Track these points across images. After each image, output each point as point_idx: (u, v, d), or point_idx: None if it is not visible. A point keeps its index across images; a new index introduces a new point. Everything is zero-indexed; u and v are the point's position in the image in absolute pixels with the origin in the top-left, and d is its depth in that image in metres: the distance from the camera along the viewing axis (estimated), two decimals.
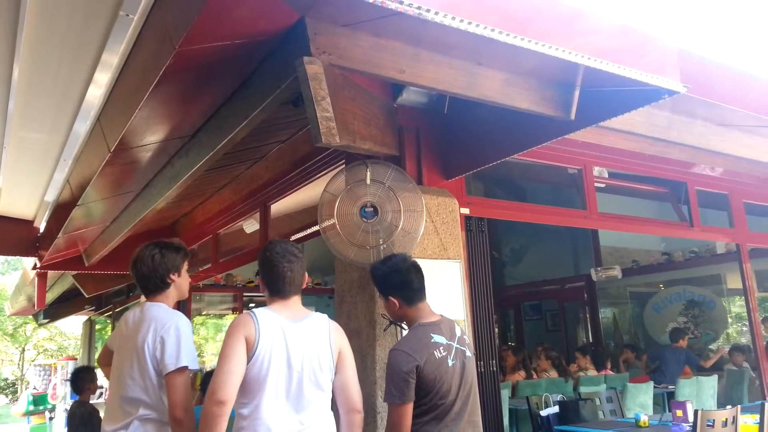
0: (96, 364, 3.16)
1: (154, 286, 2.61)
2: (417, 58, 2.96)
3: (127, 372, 2.47)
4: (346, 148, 3.22)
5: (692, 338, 9.10)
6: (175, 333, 2.43)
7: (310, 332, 2.36)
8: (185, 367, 2.39)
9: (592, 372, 7.16)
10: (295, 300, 2.44)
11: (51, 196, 5.42)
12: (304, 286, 2.51)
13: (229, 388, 2.17)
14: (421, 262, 2.71)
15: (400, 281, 2.59)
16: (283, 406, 2.26)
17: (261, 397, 2.23)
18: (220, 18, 2.45)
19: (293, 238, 5.23)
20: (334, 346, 2.41)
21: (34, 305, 10.29)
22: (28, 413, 12.24)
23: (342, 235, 3.53)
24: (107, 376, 2.94)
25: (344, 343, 2.47)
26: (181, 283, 2.67)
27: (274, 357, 2.25)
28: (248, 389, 2.24)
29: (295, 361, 2.29)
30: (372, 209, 3.54)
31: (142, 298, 2.73)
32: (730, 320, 9.36)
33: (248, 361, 2.23)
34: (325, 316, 2.47)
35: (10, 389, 23.30)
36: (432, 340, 2.48)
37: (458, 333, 2.61)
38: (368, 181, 3.58)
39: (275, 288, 2.41)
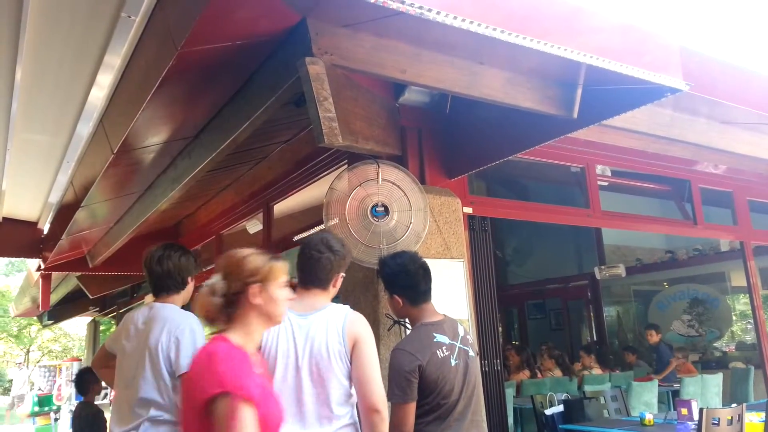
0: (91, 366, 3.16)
1: (173, 284, 2.63)
2: (419, 57, 2.95)
3: (139, 373, 2.46)
4: (349, 148, 3.22)
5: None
6: (190, 334, 2.44)
7: (319, 325, 2.31)
8: None
9: (596, 371, 7.15)
10: (315, 293, 2.39)
11: (54, 198, 5.42)
12: (336, 283, 2.45)
13: None
14: None
15: (408, 282, 2.59)
16: (291, 398, 2.26)
17: None
18: (222, 19, 2.45)
19: (296, 238, 5.23)
20: (347, 337, 2.28)
21: (38, 306, 10.31)
22: (34, 414, 12.28)
23: (351, 234, 3.50)
24: (104, 378, 2.93)
25: (362, 332, 2.31)
26: (191, 288, 2.73)
27: (280, 350, 2.27)
28: None
29: (301, 354, 2.28)
30: (383, 208, 3.53)
31: (147, 298, 2.74)
32: (734, 318, 9.34)
33: None
34: (347, 307, 2.39)
35: None
36: (434, 340, 2.48)
37: (461, 333, 2.61)
38: (380, 181, 3.57)
39: (299, 276, 2.42)
